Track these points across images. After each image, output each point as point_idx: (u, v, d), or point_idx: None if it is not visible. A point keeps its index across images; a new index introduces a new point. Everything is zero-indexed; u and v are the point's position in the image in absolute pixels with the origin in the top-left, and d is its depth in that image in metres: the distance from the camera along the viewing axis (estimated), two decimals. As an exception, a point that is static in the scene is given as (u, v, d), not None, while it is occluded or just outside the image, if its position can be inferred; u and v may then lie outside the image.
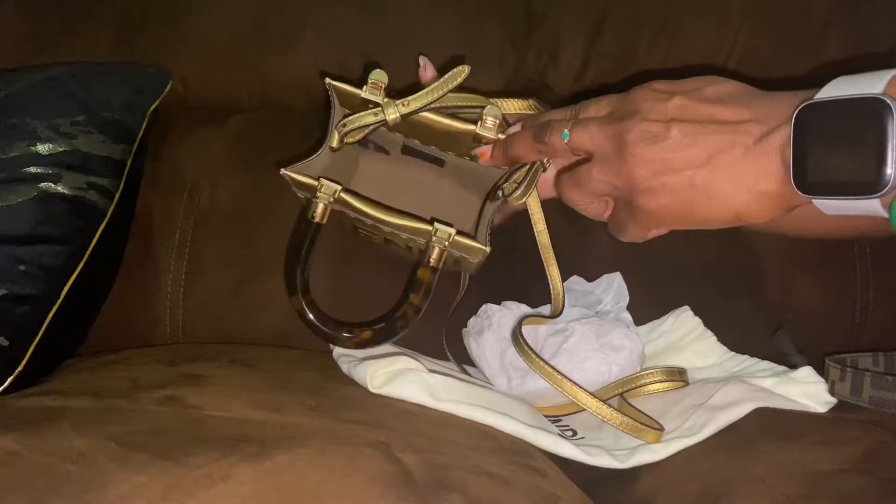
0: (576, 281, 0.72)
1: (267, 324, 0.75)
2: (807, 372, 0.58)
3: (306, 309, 0.54)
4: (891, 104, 0.38)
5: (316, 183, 0.52)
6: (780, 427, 0.53)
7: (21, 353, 0.60)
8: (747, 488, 0.45)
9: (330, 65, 0.84)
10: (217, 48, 0.85)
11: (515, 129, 0.56)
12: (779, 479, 0.46)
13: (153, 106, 0.79)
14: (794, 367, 0.61)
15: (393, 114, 0.54)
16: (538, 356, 0.58)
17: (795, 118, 0.42)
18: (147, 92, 0.79)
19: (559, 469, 0.52)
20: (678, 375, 0.62)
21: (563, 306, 0.62)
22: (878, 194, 0.39)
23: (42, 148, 0.68)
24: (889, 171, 0.38)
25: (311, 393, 0.53)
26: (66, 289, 0.64)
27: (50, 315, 0.63)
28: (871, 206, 0.40)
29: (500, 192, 0.56)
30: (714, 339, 0.68)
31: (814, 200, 0.42)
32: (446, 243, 0.54)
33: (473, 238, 0.55)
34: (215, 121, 0.84)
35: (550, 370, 0.57)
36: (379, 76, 0.55)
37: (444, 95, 0.54)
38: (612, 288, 0.71)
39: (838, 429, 0.53)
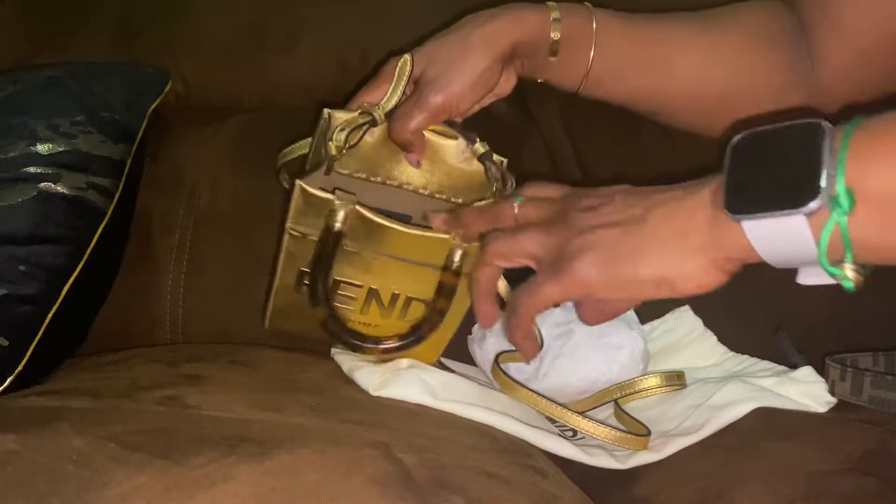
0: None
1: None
2: (807, 372, 0.58)
3: (329, 319, 0.54)
4: (825, 126, 0.39)
5: (332, 196, 0.53)
6: (780, 427, 0.53)
7: (21, 353, 0.60)
8: (747, 488, 0.45)
9: (330, 65, 0.84)
10: (217, 48, 0.85)
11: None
12: (779, 479, 0.46)
13: (153, 106, 0.79)
14: (794, 367, 0.61)
15: (377, 111, 0.59)
16: (518, 383, 0.58)
17: (731, 146, 0.42)
18: (147, 92, 0.79)
19: (559, 469, 0.52)
20: (676, 380, 0.62)
21: (542, 344, 0.62)
22: (807, 206, 0.38)
23: (42, 148, 0.68)
24: (820, 181, 0.37)
25: (311, 393, 0.53)
26: (66, 289, 0.64)
27: (50, 315, 0.63)
28: (801, 233, 0.39)
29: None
30: (714, 339, 0.68)
31: (744, 224, 0.41)
32: (466, 247, 0.55)
33: None
34: (215, 121, 0.84)
35: (532, 395, 0.57)
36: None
37: (404, 87, 0.59)
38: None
39: (838, 429, 0.53)
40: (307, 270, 0.55)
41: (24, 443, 0.40)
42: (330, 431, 0.46)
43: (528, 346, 0.53)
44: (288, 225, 0.55)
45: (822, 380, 0.58)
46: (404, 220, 0.63)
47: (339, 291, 0.57)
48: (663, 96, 0.65)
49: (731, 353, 0.67)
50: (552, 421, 0.60)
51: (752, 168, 0.41)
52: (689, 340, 0.69)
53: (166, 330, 0.76)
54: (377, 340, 0.55)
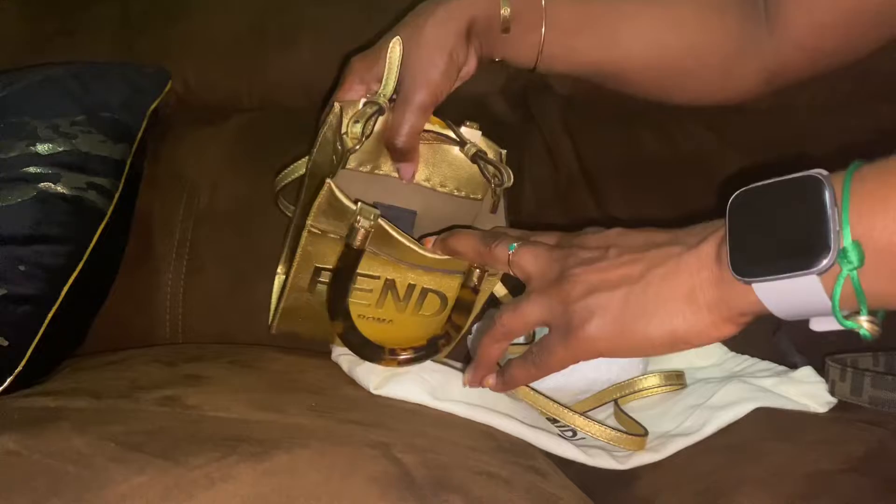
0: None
1: (267, 324, 0.75)
2: (807, 372, 0.58)
3: (348, 331, 0.55)
4: (824, 180, 0.38)
5: (355, 207, 0.52)
6: (780, 427, 0.53)
7: (21, 353, 0.60)
8: (747, 488, 0.45)
9: (330, 65, 0.84)
10: (217, 48, 0.85)
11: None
12: (779, 479, 0.46)
13: (153, 106, 0.79)
14: (794, 367, 0.60)
15: (381, 99, 0.59)
16: None
17: (731, 204, 0.42)
18: (147, 92, 0.79)
19: (559, 469, 0.52)
20: (675, 379, 0.62)
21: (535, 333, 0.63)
22: (819, 265, 0.37)
23: (42, 148, 0.68)
24: (829, 239, 0.37)
25: (311, 393, 0.53)
26: (65, 289, 0.64)
27: (50, 315, 0.63)
28: (814, 290, 0.38)
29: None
30: (714, 338, 0.68)
31: (754, 286, 0.40)
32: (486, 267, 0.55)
33: None
34: (215, 121, 0.84)
35: (531, 392, 0.57)
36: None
37: (397, 71, 0.59)
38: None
39: (838, 429, 0.53)
40: (322, 267, 0.56)
41: (24, 443, 0.40)
42: (330, 431, 0.46)
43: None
44: (309, 222, 0.54)
45: (822, 380, 0.58)
46: (410, 216, 0.63)
47: (356, 286, 0.56)
48: (615, 68, 0.66)
49: (732, 353, 0.67)
50: (552, 421, 0.60)
51: (754, 226, 0.40)
52: (689, 340, 0.69)
53: (166, 330, 0.76)
54: (393, 351, 0.55)
